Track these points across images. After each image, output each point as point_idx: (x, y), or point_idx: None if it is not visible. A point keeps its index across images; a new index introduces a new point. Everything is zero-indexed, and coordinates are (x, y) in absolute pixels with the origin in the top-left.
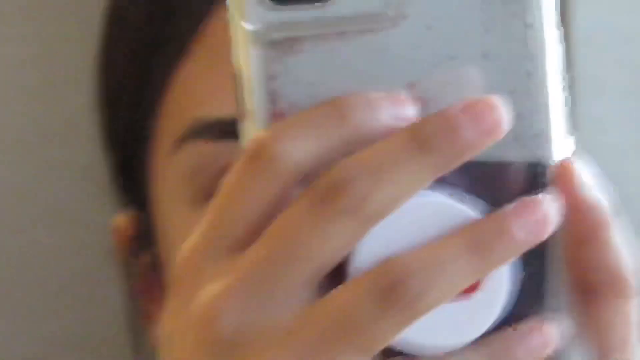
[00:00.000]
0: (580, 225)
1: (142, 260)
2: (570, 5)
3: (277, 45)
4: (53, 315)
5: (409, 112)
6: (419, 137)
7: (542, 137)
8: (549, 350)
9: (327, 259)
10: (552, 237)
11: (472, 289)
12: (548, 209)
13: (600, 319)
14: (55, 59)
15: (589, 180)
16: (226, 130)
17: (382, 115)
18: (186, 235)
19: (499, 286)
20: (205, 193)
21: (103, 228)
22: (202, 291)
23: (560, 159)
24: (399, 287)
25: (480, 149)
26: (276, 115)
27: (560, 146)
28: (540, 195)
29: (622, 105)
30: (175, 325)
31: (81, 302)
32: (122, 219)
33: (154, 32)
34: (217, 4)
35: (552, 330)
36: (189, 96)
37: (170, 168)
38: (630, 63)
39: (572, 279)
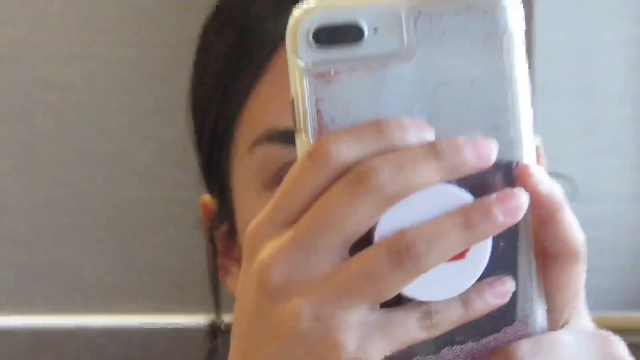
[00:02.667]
0: (541, 210)
1: (221, 229)
2: (532, 25)
3: (322, 76)
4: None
5: (428, 135)
6: (435, 149)
7: (515, 143)
8: (506, 298)
9: (356, 228)
10: (522, 219)
11: (461, 256)
12: (520, 198)
13: (557, 280)
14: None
15: (545, 177)
16: (290, 137)
17: (410, 135)
18: (255, 213)
19: (482, 255)
20: (270, 183)
21: (194, 204)
22: (262, 251)
23: (526, 160)
24: (408, 249)
25: (475, 168)
26: (321, 128)
27: (528, 149)
28: (515, 188)
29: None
30: (243, 278)
31: (178, 257)
32: (207, 198)
33: (235, 60)
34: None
35: (510, 284)
36: (263, 110)
37: (246, 164)
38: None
39: (536, 250)
